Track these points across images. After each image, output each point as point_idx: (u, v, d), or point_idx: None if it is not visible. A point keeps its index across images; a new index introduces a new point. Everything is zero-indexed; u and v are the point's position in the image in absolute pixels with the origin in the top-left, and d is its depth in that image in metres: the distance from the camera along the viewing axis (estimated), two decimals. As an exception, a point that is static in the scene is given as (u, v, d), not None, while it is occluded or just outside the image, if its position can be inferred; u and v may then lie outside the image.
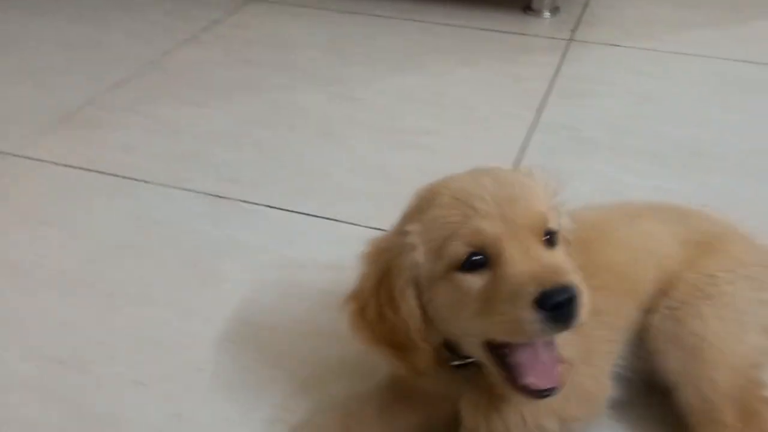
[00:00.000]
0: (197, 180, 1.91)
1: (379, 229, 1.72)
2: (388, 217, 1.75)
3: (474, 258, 0.94)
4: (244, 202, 1.84)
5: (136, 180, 1.92)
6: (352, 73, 2.48)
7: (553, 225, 0.97)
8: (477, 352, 1.01)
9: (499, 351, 0.98)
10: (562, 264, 0.95)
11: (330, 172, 1.97)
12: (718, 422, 1.07)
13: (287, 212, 1.81)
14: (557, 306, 0.87)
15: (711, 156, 1.99)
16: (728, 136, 2.08)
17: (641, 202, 1.38)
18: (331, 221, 1.78)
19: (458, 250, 0.94)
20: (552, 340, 0.98)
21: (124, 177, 1.93)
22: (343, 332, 1.40)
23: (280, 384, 1.33)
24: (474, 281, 0.94)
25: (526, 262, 0.91)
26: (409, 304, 0.99)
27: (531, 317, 0.88)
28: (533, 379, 0.95)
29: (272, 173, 1.96)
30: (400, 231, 1.04)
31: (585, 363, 1.09)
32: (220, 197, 1.85)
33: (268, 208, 1.82)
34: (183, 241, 1.70)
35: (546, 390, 0.95)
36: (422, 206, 1.03)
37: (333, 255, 1.64)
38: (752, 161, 1.98)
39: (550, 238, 0.97)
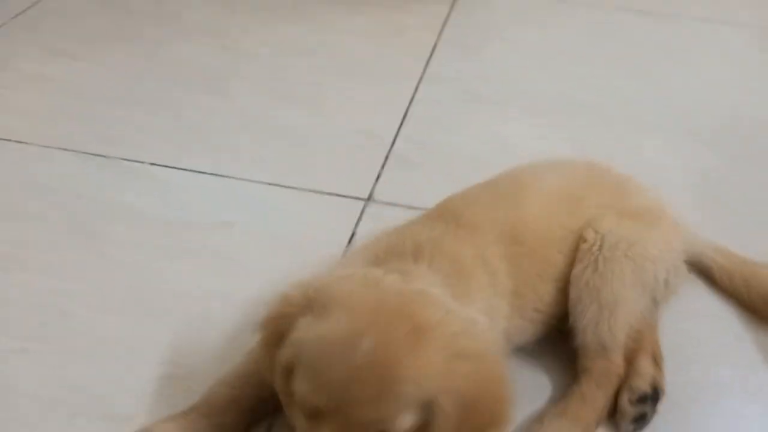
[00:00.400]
0: (77, 140, 1.85)
1: (265, 183, 1.73)
2: (274, 172, 1.78)
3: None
4: (128, 161, 1.80)
5: (10, 141, 1.84)
6: (235, 23, 2.44)
7: (397, 429, 0.93)
8: None
9: None
10: None
11: (214, 127, 1.94)
12: (610, 362, 1.24)
13: (173, 170, 1.78)
14: None
15: (592, 107, 2.10)
16: (610, 87, 2.20)
17: (583, 163, 1.44)
18: (218, 177, 1.77)
19: (300, 396, 0.95)
20: None
21: (-4, 138, 1.85)
22: (230, 288, 1.44)
23: (171, 342, 1.34)
24: (302, 424, 0.96)
25: None
26: (278, 380, 1.01)
27: None
28: None
29: (155, 130, 1.92)
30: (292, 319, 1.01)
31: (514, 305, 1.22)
32: (103, 156, 1.80)
33: (154, 167, 1.79)
34: (67, 205, 1.65)
35: None
36: (317, 305, 1.00)
37: (221, 212, 1.65)
38: (631, 113, 2.09)
39: None
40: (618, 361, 1.25)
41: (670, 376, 1.27)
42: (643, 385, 1.22)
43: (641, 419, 1.21)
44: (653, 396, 1.22)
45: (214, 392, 1.17)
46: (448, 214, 1.29)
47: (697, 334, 1.40)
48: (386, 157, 1.86)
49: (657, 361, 1.28)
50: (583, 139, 1.95)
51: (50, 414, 1.20)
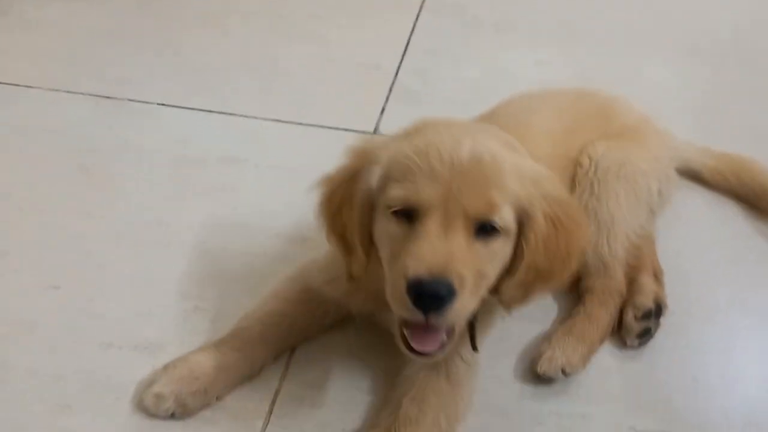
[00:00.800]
0: (82, 81, 1.86)
1: (273, 119, 1.75)
2: (280, 108, 1.80)
3: (403, 209, 0.99)
4: (134, 101, 1.81)
5: (18, 86, 1.84)
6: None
7: (497, 218, 0.99)
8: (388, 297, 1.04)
9: None
10: (461, 260, 0.95)
11: (217, 64, 1.95)
12: (611, 278, 1.30)
13: (179, 109, 1.80)
14: (420, 297, 0.94)
15: (593, 32, 2.10)
16: (610, 11, 2.19)
17: (568, 96, 1.46)
18: (225, 115, 1.79)
19: (396, 195, 0.99)
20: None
21: (1, 83, 1.85)
22: (244, 222, 1.48)
23: (193, 276, 1.39)
24: (395, 229, 1.00)
25: (433, 240, 0.95)
26: (356, 213, 1.06)
27: (402, 293, 0.95)
28: (414, 344, 1.01)
29: (158, 69, 1.92)
30: (382, 146, 1.07)
31: None
32: (109, 98, 1.81)
33: (160, 106, 1.80)
34: (75, 146, 1.68)
35: (420, 351, 1.02)
36: (408, 134, 1.07)
37: (229, 149, 1.68)
38: (631, 36, 2.09)
39: (486, 229, 0.99)
40: (619, 277, 1.31)
41: (670, 291, 1.33)
42: (646, 301, 1.28)
43: (646, 334, 1.28)
44: (657, 311, 1.28)
45: (244, 327, 1.23)
46: None
47: (693, 250, 1.46)
48: (390, 90, 1.87)
49: (658, 276, 1.34)
50: (584, 65, 1.96)
51: (84, 345, 1.27)
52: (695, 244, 1.47)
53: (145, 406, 1.14)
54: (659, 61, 1.99)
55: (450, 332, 1.02)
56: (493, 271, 1.02)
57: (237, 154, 1.66)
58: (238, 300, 1.30)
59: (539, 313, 1.33)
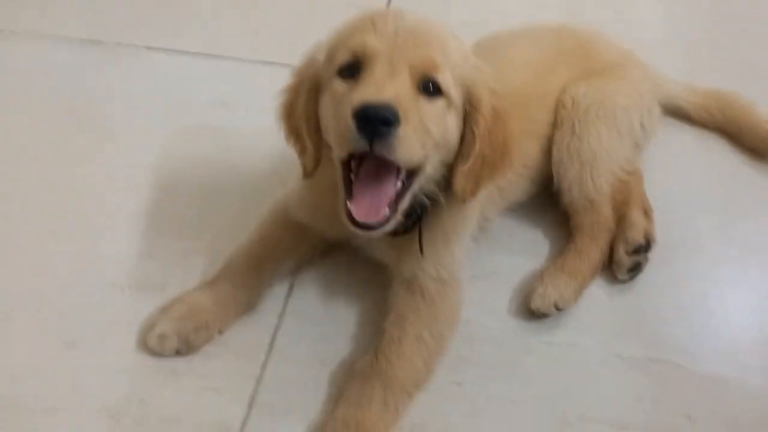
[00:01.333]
0: (68, 25, 1.83)
1: (262, 61, 1.74)
2: (269, 50, 1.78)
3: (350, 63, 1.03)
4: (121, 45, 1.79)
5: (2, 31, 1.81)
6: None
7: (440, 77, 1.03)
8: (337, 169, 1.09)
9: (349, 174, 1.07)
10: (405, 100, 0.99)
11: (205, 7, 1.92)
12: (599, 214, 1.34)
13: (166, 51, 1.78)
14: (365, 120, 0.96)
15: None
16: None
17: (547, 32, 1.48)
18: (213, 57, 1.78)
19: (342, 54, 1.04)
20: (388, 179, 1.04)
21: (-16, 28, 1.83)
22: (236, 163, 1.49)
23: (190, 217, 1.41)
24: (342, 86, 1.04)
25: (379, 84, 0.99)
26: (303, 100, 1.10)
27: (348, 125, 0.97)
28: (353, 208, 1.04)
29: (145, 12, 1.90)
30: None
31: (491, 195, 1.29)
32: (95, 42, 1.79)
33: (147, 50, 1.78)
34: (64, 92, 1.67)
35: (363, 223, 1.04)
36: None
37: (218, 92, 1.68)
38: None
39: (429, 88, 1.03)
40: (606, 212, 1.34)
41: (657, 224, 1.36)
42: (637, 236, 1.31)
43: (636, 268, 1.32)
44: (646, 246, 1.32)
45: (233, 260, 1.27)
46: None
47: (679, 185, 1.49)
48: (380, 30, 1.85)
49: (647, 212, 1.37)
50: (577, 2, 1.95)
51: (86, 284, 1.29)
52: (682, 179, 1.51)
53: (150, 347, 1.17)
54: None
55: (392, 205, 1.05)
56: (437, 132, 1.04)
57: (226, 97, 1.66)
58: (234, 239, 1.32)
59: (532, 248, 1.38)
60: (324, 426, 1.10)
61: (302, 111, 1.10)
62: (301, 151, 1.14)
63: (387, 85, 0.99)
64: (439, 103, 1.04)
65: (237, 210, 1.42)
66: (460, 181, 1.09)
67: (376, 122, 0.96)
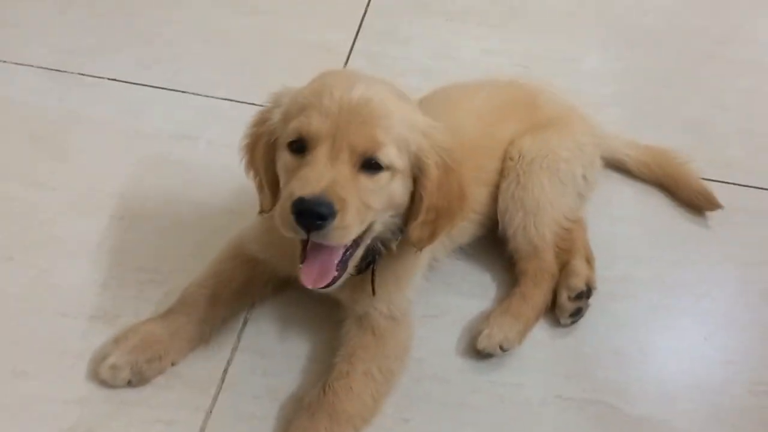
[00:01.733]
0: (32, 52, 1.85)
1: (225, 99, 1.78)
2: (234, 88, 1.82)
3: (297, 141, 1.07)
4: (85, 75, 1.80)
5: (-35, 56, 1.82)
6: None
7: (380, 155, 1.07)
8: (276, 221, 1.11)
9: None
10: (343, 186, 1.03)
11: (171, 38, 1.96)
12: (542, 260, 1.40)
13: (130, 84, 1.81)
14: (301, 214, 1.02)
15: (530, 23, 2.18)
16: (544, 2, 2.27)
17: (497, 85, 1.55)
18: (176, 92, 1.80)
19: (291, 127, 1.08)
20: (337, 247, 1.09)
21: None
22: (196, 197, 1.51)
23: (147, 248, 1.43)
24: (290, 160, 1.08)
25: (318, 172, 1.04)
26: (260, 151, 1.15)
27: (288, 216, 1.03)
28: (303, 275, 1.10)
29: (109, 41, 1.92)
30: (286, 91, 1.15)
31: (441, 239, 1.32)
32: (60, 71, 1.81)
33: (111, 81, 1.81)
34: (26, 118, 1.68)
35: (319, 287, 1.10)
36: (311, 80, 1.15)
37: (180, 125, 1.70)
38: (565, 21, 2.19)
39: (372, 164, 1.07)
40: (549, 258, 1.41)
41: (598, 273, 1.43)
42: (579, 283, 1.38)
43: (578, 313, 1.38)
44: (588, 292, 1.39)
45: (188, 293, 1.29)
46: None
47: (620, 235, 1.57)
48: (342, 72, 1.91)
49: (589, 261, 1.44)
50: (527, 55, 2.04)
51: (39, 314, 1.29)
52: (622, 230, 1.58)
53: (102, 378, 1.18)
54: (598, 50, 2.08)
55: (340, 267, 1.11)
56: (378, 204, 1.09)
57: (189, 131, 1.69)
58: (190, 272, 1.33)
59: (480, 291, 1.43)
60: None
61: (260, 161, 1.15)
62: (260, 188, 1.19)
63: (325, 173, 1.04)
64: (382, 177, 1.08)
65: (194, 244, 1.44)
66: (415, 233, 1.14)
67: (311, 218, 1.01)
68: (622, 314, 1.43)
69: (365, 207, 1.06)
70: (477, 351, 1.31)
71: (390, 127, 1.07)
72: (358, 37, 2.04)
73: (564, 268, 1.41)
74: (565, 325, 1.38)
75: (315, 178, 1.03)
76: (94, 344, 1.24)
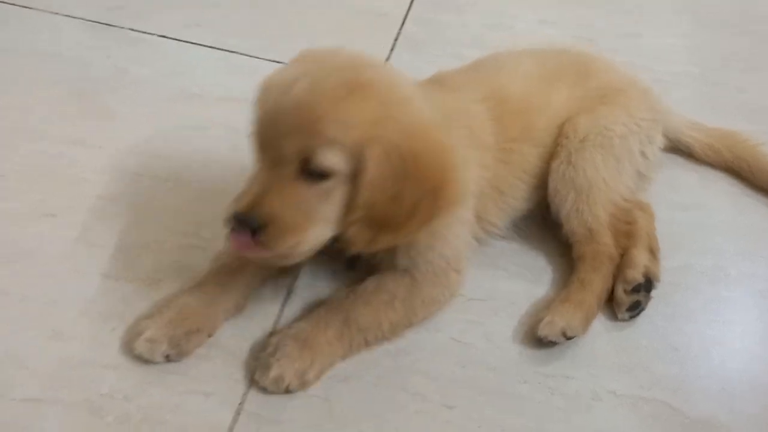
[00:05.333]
0: (81, 6, 1.81)
1: (272, 60, 1.73)
2: (283, 50, 1.76)
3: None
4: (133, 30, 1.76)
5: (15, 6, 1.79)
6: None
7: (317, 161, 1.02)
8: None
9: None
10: (273, 200, 1.03)
11: (220, 1, 1.90)
12: (599, 243, 1.33)
13: (179, 42, 1.76)
14: (233, 230, 1.05)
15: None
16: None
17: (549, 51, 1.48)
18: (225, 52, 1.76)
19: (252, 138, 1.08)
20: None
21: (-4, 2, 1.80)
22: (241, 162, 1.46)
23: (187, 212, 1.39)
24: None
25: (253, 180, 1.06)
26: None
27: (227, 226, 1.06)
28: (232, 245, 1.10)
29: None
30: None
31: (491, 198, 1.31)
32: (107, 25, 1.77)
33: (159, 38, 1.76)
34: (70, 73, 1.64)
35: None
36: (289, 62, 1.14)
37: (227, 87, 1.66)
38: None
39: (312, 170, 1.03)
40: (607, 241, 1.32)
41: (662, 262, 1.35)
42: (636, 275, 1.30)
43: (636, 307, 1.30)
44: (647, 285, 1.30)
45: (221, 262, 1.24)
46: (434, 80, 1.37)
47: (683, 223, 1.48)
48: (396, 39, 1.85)
49: (653, 252, 1.35)
50: (586, 27, 1.95)
51: (79, 274, 1.27)
52: (685, 217, 1.49)
53: (139, 353, 1.14)
54: (661, 26, 1.99)
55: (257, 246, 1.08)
56: (329, 210, 1.07)
57: (237, 93, 1.63)
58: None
59: (533, 275, 1.37)
60: (278, 332, 1.15)
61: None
62: None
63: (259, 184, 1.05)
64: (327, 183, 1.05)
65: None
66: (351, 230, 1.09)
67: (244, 236, 1.04)
68: (681, 307, 1.35)
69: (312, 213, 1.05)
70: (538, 339, 1.24)
71: (323, 131, 1.02)
72: (413, 3, 1.96)
73: (623, 257, 1.33)
74: (623, 320, 1.30)
75: (246, 192, 1.05)
76: (136, 308, 1.21)
